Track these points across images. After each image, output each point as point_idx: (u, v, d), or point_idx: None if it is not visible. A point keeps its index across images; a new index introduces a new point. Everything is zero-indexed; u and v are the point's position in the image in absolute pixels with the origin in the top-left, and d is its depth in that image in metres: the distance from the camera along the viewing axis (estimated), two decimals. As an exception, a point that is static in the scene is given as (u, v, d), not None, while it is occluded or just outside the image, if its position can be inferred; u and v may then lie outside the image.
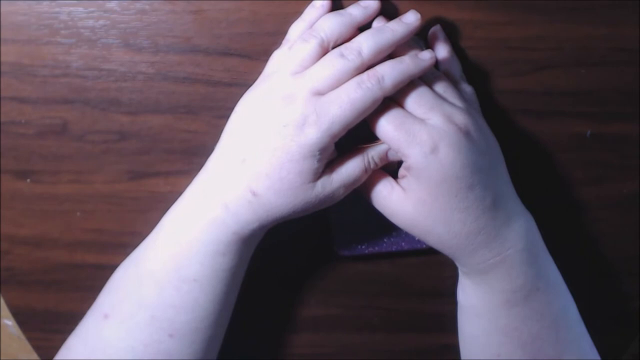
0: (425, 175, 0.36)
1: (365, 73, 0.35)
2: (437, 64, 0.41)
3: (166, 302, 0.37)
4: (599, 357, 0.40)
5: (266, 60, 0.39)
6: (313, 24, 0.38)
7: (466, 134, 0.36)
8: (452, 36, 0.42)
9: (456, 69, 0.41)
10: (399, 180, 0.38)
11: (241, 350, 0.47)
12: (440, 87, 0.38)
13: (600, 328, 0.42)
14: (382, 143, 0.37)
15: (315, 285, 0.48)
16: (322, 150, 0.35)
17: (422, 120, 0.36)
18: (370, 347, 0.49)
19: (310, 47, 0.36)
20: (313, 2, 0.40)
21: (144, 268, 0.38)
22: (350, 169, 0.37)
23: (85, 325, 0.39)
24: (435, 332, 0.48)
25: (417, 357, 0.49)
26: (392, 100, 0.37)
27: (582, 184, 0.46)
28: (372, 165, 0.38)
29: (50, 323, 0.47)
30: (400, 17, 0.37)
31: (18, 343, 0.57)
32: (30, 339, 0.48)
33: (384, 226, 0.40)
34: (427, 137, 0.35)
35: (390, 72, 0.35)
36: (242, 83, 0.41)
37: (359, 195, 0.39)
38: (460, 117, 0.36)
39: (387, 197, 0.38)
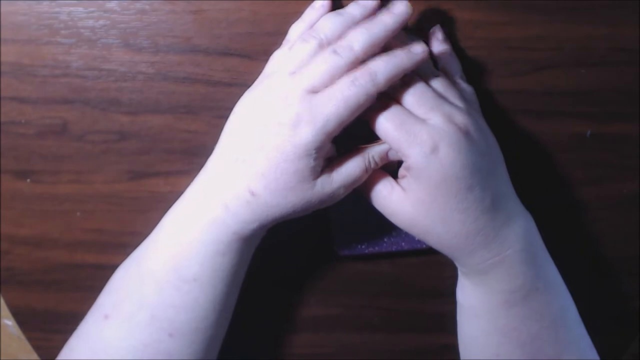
0: (425, 175, 0.36)
1: (359, 70, 0.35)
2: (436, 63, 0.41)
3: (166, 302, 0.37)
4: (598, 358, 0.40)
5: (266, 60, 0.39)
6: (313, 25, 0.38)
7: (466, 134, 0.36)
8: (452, 36, 0.42)
9: (456, 68, 0.41)
10: (399, 180, 0.38)
11: (241, 350, 0.47)
12: (441, 86, 0.38)
13: (600, 328, 0.42)
14: (383, 143, 0.37)
15: (315, 285, 0.48)
16: (318, 149, 0.35)
17: (422, 121, 0.36)
18: (370, 347, 0.49)
19: (310, 47, 0.36)
20: (313, 3, 0.40)
21: (144, 268, 0.38)
22: (351, 168, 0.37)
23: (86, 326, 0.39)
24: (435, 332, 0.48)
25: (417, 357, 0.49)
26: (393, 99, 0.37)
27: (582, 184, 0.46)
28: (372, 165, 0.38)
29: (50, 323, 0.47)
30: (390, 7, 0.37)
31: (18, 343, 0.57)
32: (30, 339, 0.48)
33: (383, 226, 0.40)
34: (427, 138, 0.35)
35: (383, 68, 0.35)
36: (242, 83, 0.41)
37: (359, 195, 0.39)
38: (461, 118, 0.36)
39: (387, 197, 0.38)
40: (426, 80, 0.38)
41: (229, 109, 0.38)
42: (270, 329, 0.48)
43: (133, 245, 0.39)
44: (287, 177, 0.35)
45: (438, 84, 0.39)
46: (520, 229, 0.38)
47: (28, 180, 0.44)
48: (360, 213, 0.43)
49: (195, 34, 0.42)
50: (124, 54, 0.42)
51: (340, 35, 0.37)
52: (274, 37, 0.41)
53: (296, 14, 0.40)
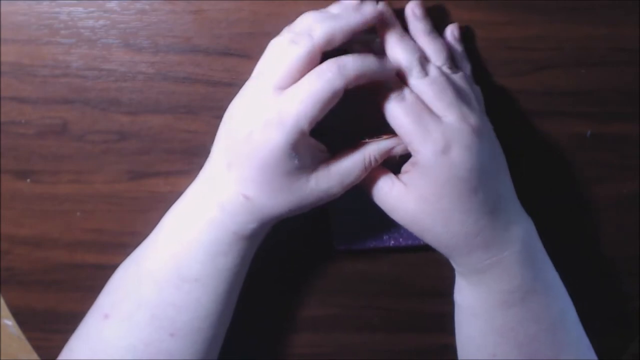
0: (432, 173, 0.35)
1: (325, 62, 0.34)
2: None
3: (166, 301, 0.37)
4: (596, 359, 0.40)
5: (266, 60, 0.39)
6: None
7: (479, 136, 0.36)
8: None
9: (466, 69, 0.41)
10: (400, 175, 0.38)
11: (241, 350, 0.47)
12: (461, 82, 0.38)
13: (600, 329, 0.42)
14: (385, 139, 0.37)
15: (315, 285, 0.48)
16: (295, 149, 0.34)
17: (438, 118, 0.36)
18: (370, 347, 0.49)
19: (283, 43, 0.35)
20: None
21: (144, 267, 0.38)
22: (349, 166, 0.37)
23: (86, 326, 0.39)
24: (435, 332, 0.48)
25: (417, 357, 0.49)
26: (409, 87, 0.36)
27: (582, 184, 0.46)
28: (372, 164, 0.37)
29: (50, 323, 0.47)
30: (360, 5, 0.36)
31: (18, 343, 0.57)
32: (30, 339, 0.48)
33: (382, 221, 0.40)
34: (441, 136, 0.35)
35: (352, 61, 0.34)
36: (242, 83, 0.41)
37: (358, 190, 0.38)
38: (476, 119, 0.36)
39: (388, 192, 0.37)
40: (452, 68, 0.38)
41: (229, 109, 0.38)
42: (270, 328, 0.48)
43: (133, 245, 0.39)
44: (276, 178, 0.35)
45: (458, 79, 0.38)
46: (519, 232, 0.38)
47: (28, 180, 0.44)
48: (359, 208, 0.43)
49: (195, 34, 0.42)
50: (124, 54, 0.42)
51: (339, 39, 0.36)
52: (274, 37, 0.41)
53: (296, 14, 0.40)
